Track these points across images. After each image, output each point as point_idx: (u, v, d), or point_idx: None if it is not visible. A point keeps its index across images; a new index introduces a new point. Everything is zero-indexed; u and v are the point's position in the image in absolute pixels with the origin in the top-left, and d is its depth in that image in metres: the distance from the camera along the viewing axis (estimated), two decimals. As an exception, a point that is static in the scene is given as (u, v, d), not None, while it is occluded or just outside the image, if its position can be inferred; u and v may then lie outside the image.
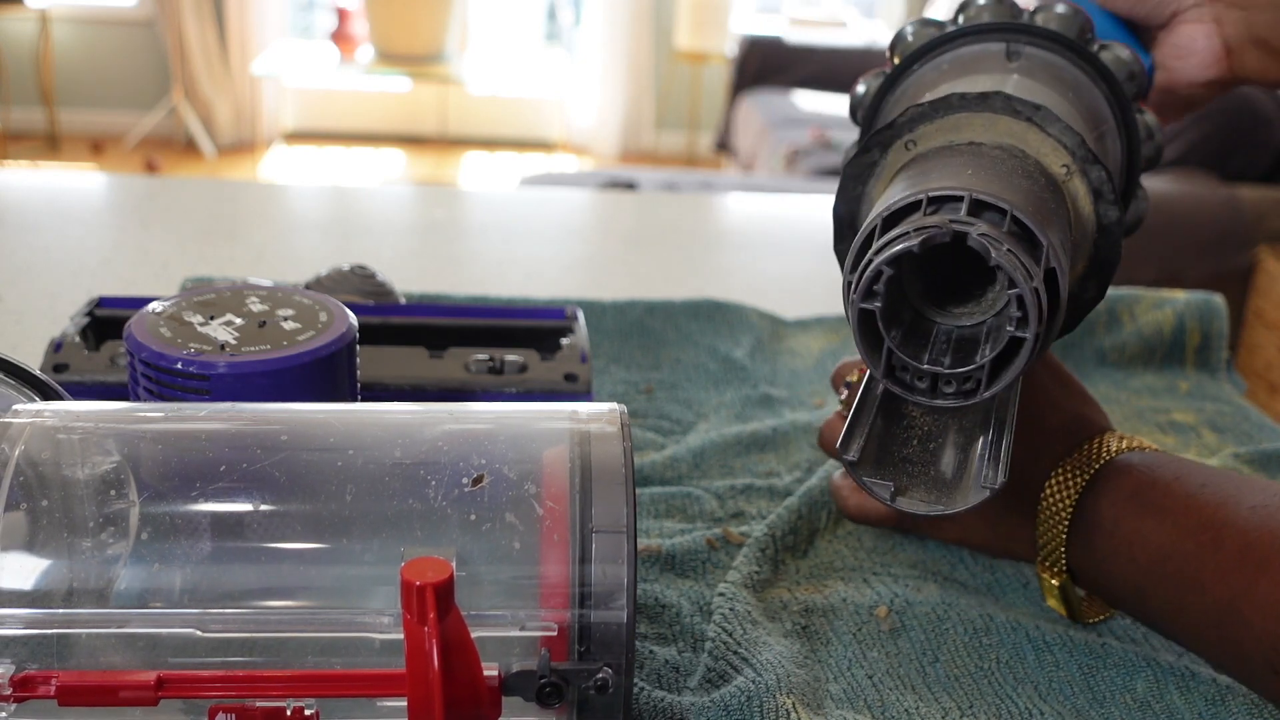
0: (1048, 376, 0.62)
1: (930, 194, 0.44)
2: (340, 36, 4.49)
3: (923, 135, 0.51)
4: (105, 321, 0.71)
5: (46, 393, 0.52)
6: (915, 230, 0.43)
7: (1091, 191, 0.50)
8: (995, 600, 0.63)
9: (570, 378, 0.68)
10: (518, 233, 1.21)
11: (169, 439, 0.46)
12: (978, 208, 0.44)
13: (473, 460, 0.44)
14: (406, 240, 1.19)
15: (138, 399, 0.55)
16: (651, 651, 0.56)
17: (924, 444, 0.49)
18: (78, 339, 0.67)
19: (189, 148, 4.75)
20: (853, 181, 0.53)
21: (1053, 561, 0.58)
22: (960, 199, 0.44)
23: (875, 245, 0.44)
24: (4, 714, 0.40)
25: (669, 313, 0.93)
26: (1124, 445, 0.58)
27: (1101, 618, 0.60)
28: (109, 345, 0.68)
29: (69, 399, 0.52)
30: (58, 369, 0.65)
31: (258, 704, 0.40)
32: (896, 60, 0.59)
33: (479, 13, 4.81)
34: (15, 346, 0.85)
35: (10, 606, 0.41)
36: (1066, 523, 0.57)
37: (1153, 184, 2.68)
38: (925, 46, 0.58)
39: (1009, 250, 0.42)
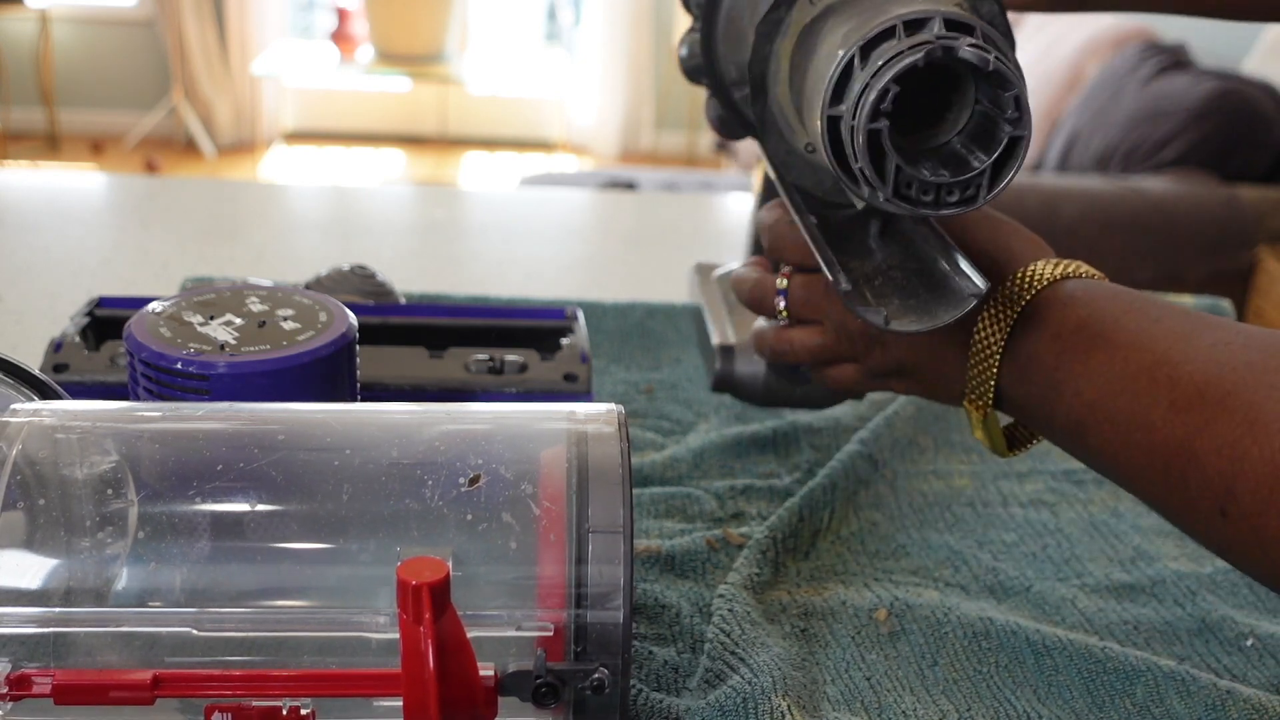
0: (975, 216, 0.58)
1: (904, 19, 0.47)
2: (340, 36, 4.49)
3: None
4: (105, 321, 0.71)
5: (46, 393, 0.52)
6: (911, 48, 0.46)
7: (985, 23, 0.53)
8: (995, 604, 0.63)
9: (570, 378, 0.68)
10: (518, 233, 1.21)
11: (167, 438, 0.46)
12: (948, 26, 0.47)
13: (470, 460, 0.44)
14: (406, 240, 1.19)
15: (137, 399, 0.55)
16: (650, 652, 0.56)
17: (889, 274, 0.55)
18: (78, 339, 0.67)
19: (189, 148, 4.74)
20: (763, 40, 0.56)
21: (979, 395, 0.55)
22: (929, 20, 0.47)
23: (868, 69, 0.46)
24: (1, 712, 0.40)
25: (669, 313, 0.93)
26: (1056, 272, 0.54)
27: (1028, 448, 0.58)
28: (109, 345, 0.68)
29: (68, 399, 0.52)
30: (58, 369, 0.65)
31: (254, 703, 0.40)
32: None
33: (479, 13, 4.81)
34: (15, 346, 0.85)
35: (7, 605, 0.41)
36: (997, 359, 0.54)
37: (1153, 184, 2.68)
38: None
39: (997, 56, 0.45)
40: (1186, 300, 0.94)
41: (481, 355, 0.68)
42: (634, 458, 0.74)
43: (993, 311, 0.54)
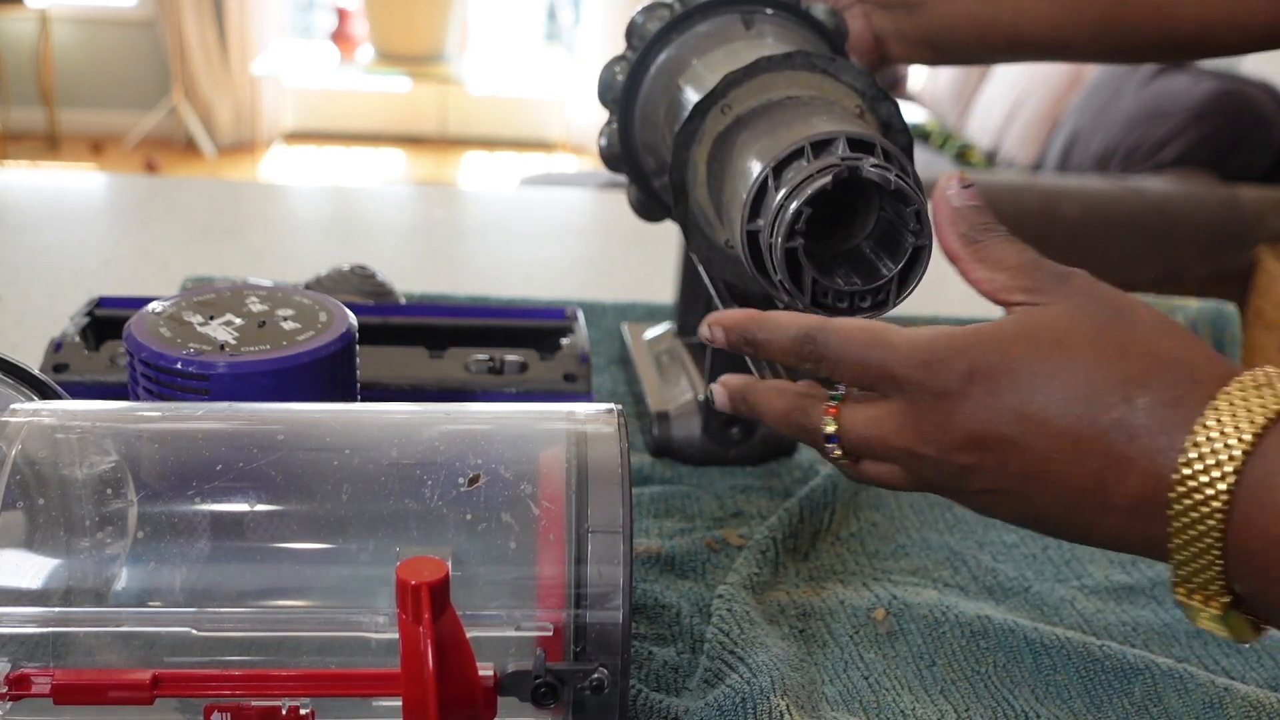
0: (1135, 304, 0.43)
1: (811, 140, 0.50)
2: (340, 36, 4.49)
3: (736, 99, 0.58)
4: (105, 321, 0.71)
5: (46, 393, 0.52)
6: (820, 171, 0.49)
7: (881, 124, 0.59)
8: (994, 605, 0.63)
9: (570, 378, 0.68)
10: (518, 233, 1.21)
11: (167, 438, 0.46)
12: (851, 146, 0.50)
13: (469, 460, 0.44)
14: (406, 240, 1.19)
15: (137, 399, 0.55)
16: (650, 652, 0.56)
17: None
18: (78, 339, 0.67)
19: (189, 148, 4.74)
20: (681, 149, 0.59)
21: (1202, 585, 0.39)
22: (835, 141, 0.50)
23: (782, 190, 0.50)
24: (1, 712, 0.40)
25: (669, 314, 0.93)
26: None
27: (1267, 630, 0.41)
28: (109, 345, 0.68)
29: (68, 399, 0.52)
30: (58, 369, 0.65)
31: (253, 703, 0.40)
32: (636, 44, 0.67)
33: (479, 13, 4.81)
34: (15, 346, 0.85)
35: (7, 605, 0.41)
36: (1218, 531, 0.38)
37: (1153, 184, 2.68)
38: (662, 30, 0.66)
39: (898, 174, 0.49)
40: (1190, 303, 0.94)
41: (481, 355, 0.68)
42: (634, 457, 0.74)
43: (1198, 466, 0.38)
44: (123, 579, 0.42)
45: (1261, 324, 2.59)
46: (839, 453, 0.47)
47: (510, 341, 0.72)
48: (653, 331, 0.86)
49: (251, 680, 0.40)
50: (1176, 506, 0.38)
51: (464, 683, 0.39)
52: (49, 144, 4.66)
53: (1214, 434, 0.38)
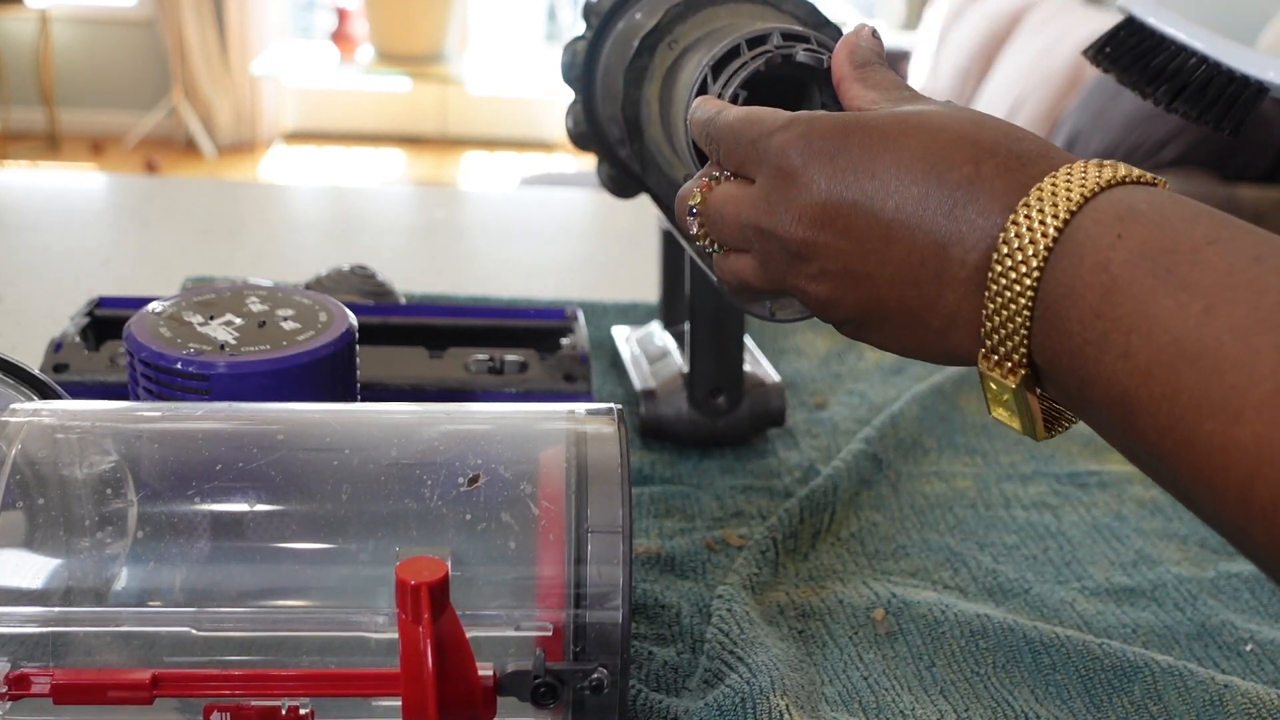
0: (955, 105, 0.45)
1: (746, 37, 0.53)
2: (340, 36, 4.49)
3: (681, 34, 0.61)
4: (105, 321, 0.71)
5: (46, 392, 0.52)
6: (753, 57, 0.52)
7: (824, 48, 0.58)
8: (993, 606, 0.63)
9: (570, 378, 0.68)
10: (518, 233, 1.21)
11: (166, 438, 0.46)
12: (785, 38, 0.52)
13: (469, 460, 0.44)
14: (406, 240, 1.19)
15: (138, 399, 0.55)
16: (650, 652, 0.56)
17: None
18: (78, 339, 0.67)
19: (189, 148, 4.74)
20: (633, 87, 0.62)
21: (1006, 353, 0.40)
22: (769, 35, 0.53)
23: (719, 83, 0.52)
24: (0, 712, 0.40)
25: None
26: (1112, 175, 0.39)
27: (1061, 429, 0.43)
28: (109, 345, 0.68)
29: (68, 399, 0.52)
30: (58, 369, 0.65)
31: (253, 703, 0.40)
32: (594, 21, 0.68)
33: (479, 13, 4.81)
34: (15, 346, 0.85)
35: (7, 605, 0.41)
36: (1030, 294, 0.38)
37: (1153, 185, 2.68)
38: (618, 3, 0.67)
39: (830, 58, 0.50)
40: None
41: (481, 355, 0.68)
42: (633, 457, 0.74)
43: (1024, 223, 0.39)
44: (123, 579, 0.42)
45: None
46: (696, 228, 0.49)
47: (510, 341, 0.72)
48: (640, 330, 0.87)
49: (251, 680, 0.40)
50: (997, 267, 0.39)
51: (464, 683, 0.39)
52: (49, 144, 4.66)
53: (1046, 193, 0.39)
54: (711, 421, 0.75)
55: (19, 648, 0.41)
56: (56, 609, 0.41)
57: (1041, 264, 0.38)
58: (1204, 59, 0.59)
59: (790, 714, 0.50)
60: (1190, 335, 0.34)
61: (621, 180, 0.70)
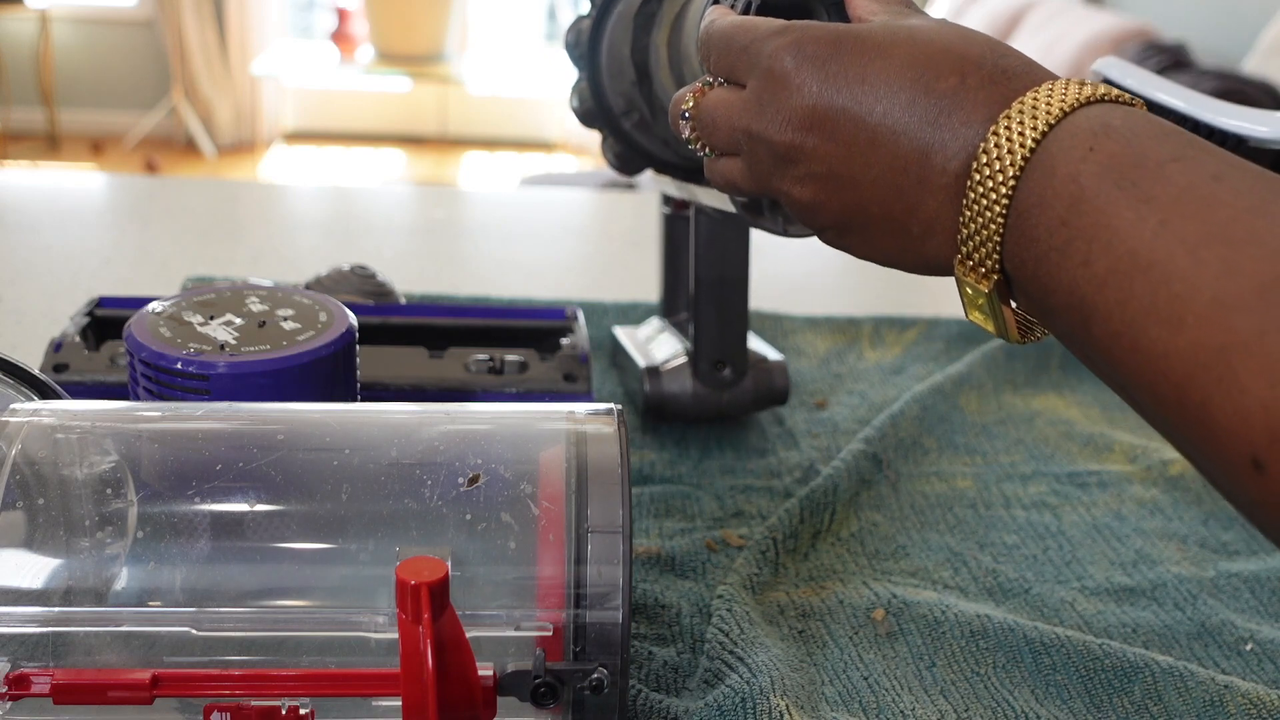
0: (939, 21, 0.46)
1: None
2: (340, 36, 4.49)
3: None
4: (105, 321, 0.71)
5: (46, 393, 0.52)
6: None
7: None
8: (993, 606, 0.63)
9: (570, 378, 0.68)
10: (518, 233, 1.21)
11: (167, 438, 0.46)
12: None
13: (469, 460, 0.44)
14: (406, 240, 1.19)
15: (138, 399, 0.55)
16: (650, 652, 0.56)
17: None
18: (78, 339, 0.67)
19: (189, 148, 4.74)
20: (641, 32, 0.63)
21: (980, 259, 0.41)
22: None
23: (727, 3, 0.52)
24: (0, 712, 0.40)
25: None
26: (1091, 93, 0.40)
27: (1035, 339, 0.44)
28: (109, 345, 0.68)
29: (68, 399, 0.52)
30: (58, 369, 0.65)
31: (253, 703, 0.40)
32: (598, 0, 0.69)
33: (479, 13, 4.81)
34: (15, 346, 0.85)
35: (7, 605, 0.41)
36: (1005, 202, 0.40)
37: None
38: None
39: None
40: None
41: (481, 355, 0.68)
42: (633, 457, 0.74)
43: (1003, 135, 0.40)
44: (123, 579, 0.42)
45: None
46: (689, 132, 0.50)
47: (510, 341, 0.72)
48: (641, 326, 0.87)
49: (251, 680, 0.40)
50: (976, 176, 0.40)
51: (463, 683, 0.39)
52: (49, 144, 4.66)
53: (1027, 106, 0.40)
54: (716, 395, 0.76)
55: (19, 648, 0.41)
56: (56, 609, 0.41)
57: (1017, 174, 0.39)
58: (1184, 116, 0.62)
59: (790, 714, 0.50)
60: (1145, 246, 0.36)
61: (627, 156, 0.71)
